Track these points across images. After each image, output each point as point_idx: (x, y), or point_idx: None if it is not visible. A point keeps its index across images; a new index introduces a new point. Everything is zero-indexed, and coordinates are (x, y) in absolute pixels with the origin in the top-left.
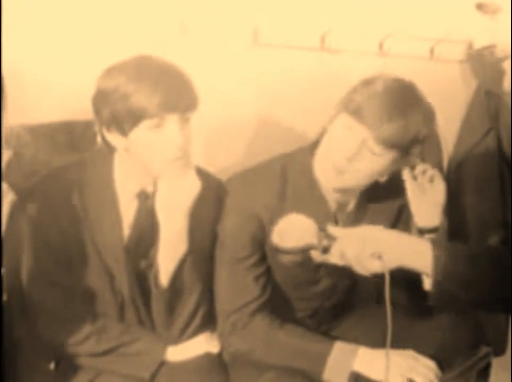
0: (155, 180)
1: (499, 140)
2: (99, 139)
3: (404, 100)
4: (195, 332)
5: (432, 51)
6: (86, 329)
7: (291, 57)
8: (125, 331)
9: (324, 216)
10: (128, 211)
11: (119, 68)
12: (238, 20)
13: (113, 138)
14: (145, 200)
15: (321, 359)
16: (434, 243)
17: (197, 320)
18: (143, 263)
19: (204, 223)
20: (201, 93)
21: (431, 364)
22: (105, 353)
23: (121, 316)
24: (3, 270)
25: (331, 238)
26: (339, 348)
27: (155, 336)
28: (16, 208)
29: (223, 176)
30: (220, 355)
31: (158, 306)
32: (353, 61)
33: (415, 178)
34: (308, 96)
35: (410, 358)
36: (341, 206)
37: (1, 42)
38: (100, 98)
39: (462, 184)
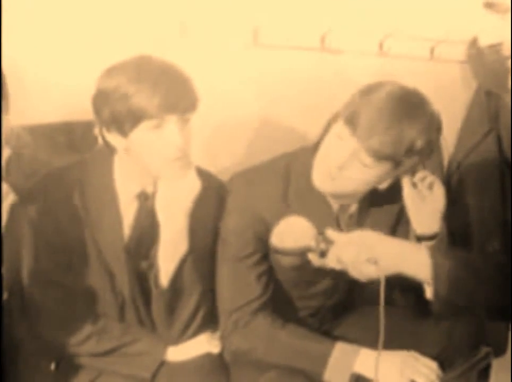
0: (155, 180)
1: (499, 141)
2: (99, 139)
3: (403, 109)
4: (196, 333)
5: (432, 51)
6: (87, 329)
7: (291, 57)
8: (125, 331)
9: (326, 217)
10: (128, 212)
11: (120, 68)
12: (238, 20)
13: (113, 138)
14: (145, 200)
15: (322, 360)
16: (433, 251)
17: (197, 320)
18: (143, 264)
19: (205, 222)
20: (201, 93)
21: (432, 364)
22: (106, 353)
23: (122, 316)
24: (3, 270)
25: (329, 242)
26: (340, 349)
27: (155, 336)
28: (16, 208)
29: (224, 176)
30: (220, 355)
31: (158, 306)
32: (354, 61)
33: (414, 185)
34: (308, 96)
35: (411, 359)
36: (343, 207)
37: (1, 42)
38: (100, 98)
39: (462, 185)
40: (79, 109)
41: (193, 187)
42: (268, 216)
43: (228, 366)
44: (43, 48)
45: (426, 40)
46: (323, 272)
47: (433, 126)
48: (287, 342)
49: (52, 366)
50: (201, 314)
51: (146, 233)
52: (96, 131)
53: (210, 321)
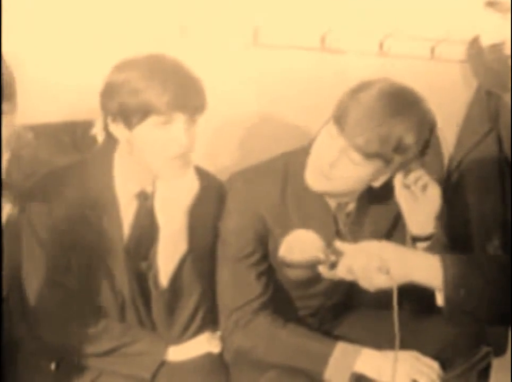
0: (154, 180)
1: (500, 140)
2: (99, 138)
3: (392, 107)
4: (196, 332)
5: (432, 51)
6: (87, 329)
7: (291, 56)
8: (125, 331)
9: (324, 215)
10: (128, 212)
11: (131, 64)
12: (238, 20)
13: (117, 129)
14: (145, 200)
15: (323, 359)
16: (443, 258)
17: (197, 320)
18: (143, 264)
19: (204, 222)
20: None
21: (433, 364)
22: (107, 353)
23: (122, 316)
24: (3, 270)
25: (338, 253)
26: (341, 349)
27: (156, 336)
28: (16, 208)
29: (223, 176)
30: (221, 355)
31: (158, 306)
32: (353, 61)
33: (407, 186)
34: (308, 96)
35: (413, 359)
36: (341, 206)
37: (1, 42)
38: (109, 91)
39: (462, 184)
40: (82, 108)
41: (191, 186)
42: (267, 216)
43: (228, 366)
44: (45, 47)
45: (427, 40)
46: None
47: (425, 124)
48: (287, 341)
49: (52, 366)
50: (201, 314)
51: (146, 233)
52: (94, 130)
53: (210, 321)
